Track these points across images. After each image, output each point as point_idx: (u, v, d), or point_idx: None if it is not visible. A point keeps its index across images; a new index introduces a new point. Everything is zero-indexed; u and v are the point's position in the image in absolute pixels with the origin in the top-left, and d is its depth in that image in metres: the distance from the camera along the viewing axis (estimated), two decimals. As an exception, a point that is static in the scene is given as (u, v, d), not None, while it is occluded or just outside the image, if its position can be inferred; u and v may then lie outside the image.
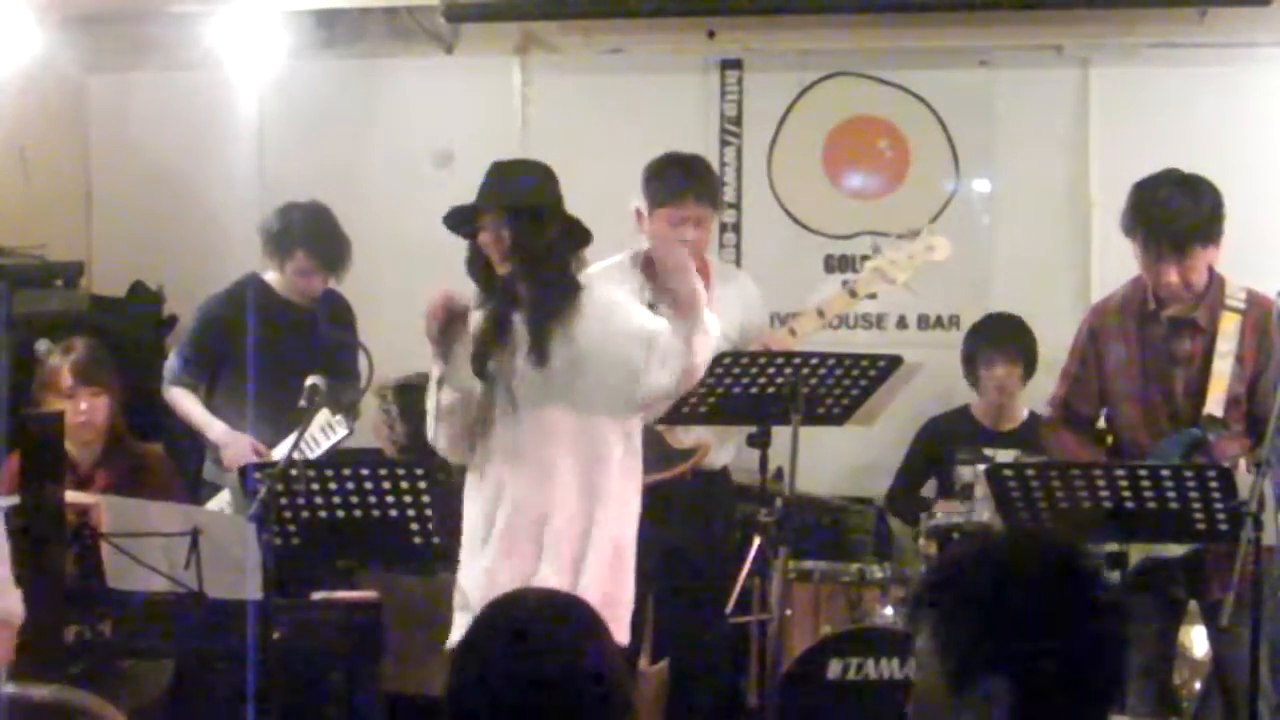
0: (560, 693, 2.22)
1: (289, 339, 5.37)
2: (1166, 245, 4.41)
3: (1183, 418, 4.51)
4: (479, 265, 4.17)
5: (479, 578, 4.12)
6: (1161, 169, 4.56)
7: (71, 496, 4.44)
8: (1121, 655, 2.15)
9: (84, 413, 4.93)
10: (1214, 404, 4.45)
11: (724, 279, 5.13)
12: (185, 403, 5.48)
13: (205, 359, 5.49)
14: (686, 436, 4.91)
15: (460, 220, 4.21)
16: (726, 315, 5.01)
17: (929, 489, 5.98)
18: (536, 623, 2.30)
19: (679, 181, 4.91)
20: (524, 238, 4.10)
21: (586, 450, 4.12)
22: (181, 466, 5.55)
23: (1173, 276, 4.43)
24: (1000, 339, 5.80)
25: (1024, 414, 5.79)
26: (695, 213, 4.91)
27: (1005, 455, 5.62)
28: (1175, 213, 4.40)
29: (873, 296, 4.95)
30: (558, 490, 4.11)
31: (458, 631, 4.15)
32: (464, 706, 2.25)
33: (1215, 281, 4.53)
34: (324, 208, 5.49)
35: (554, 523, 4.10)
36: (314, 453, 4.85)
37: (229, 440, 5.33)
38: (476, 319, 4.19)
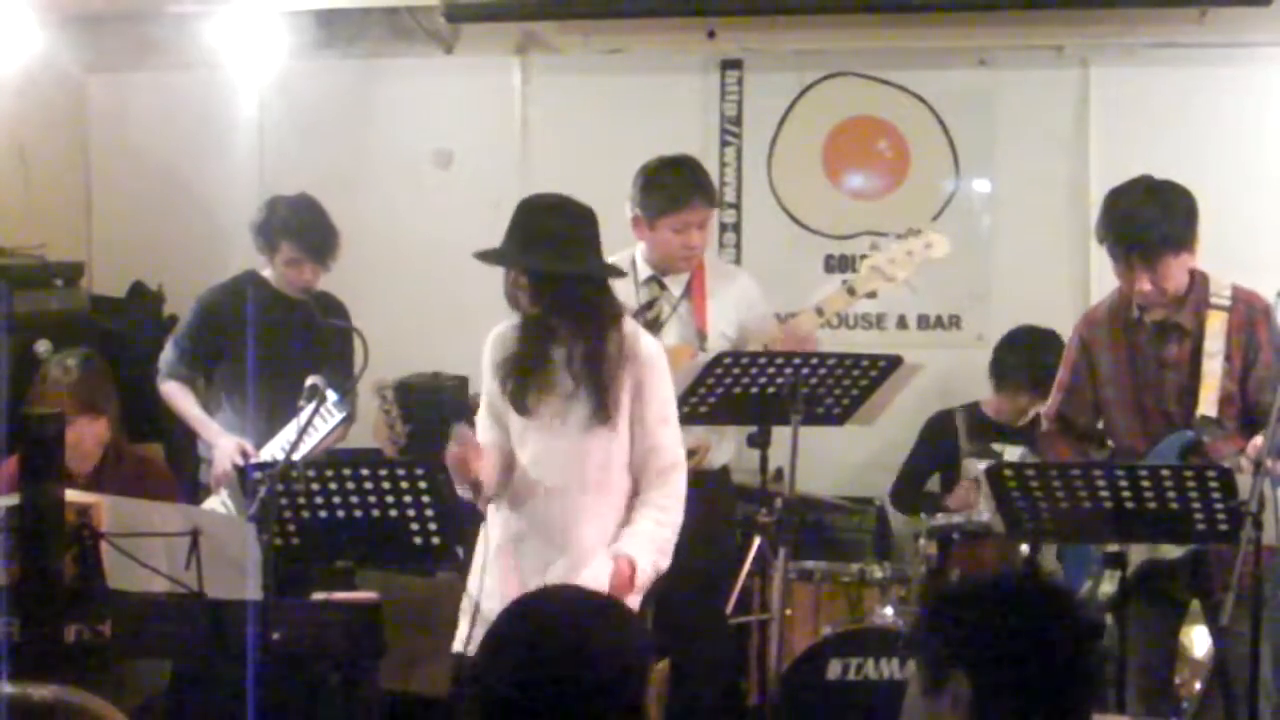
0: (584, 687, 2.28)
1: (286, 331, 5.38)
2: (1136, 255, 4.39)
3: (1176, 421, 4.51)
4: (515, 295, 4.12)
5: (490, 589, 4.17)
6: (1136, 176, 4.52)
7: (71, 496, 4.43)
8: (1084, 660, 2.38)
9: (83, 438, 4.93)
10: (1207, 404, 4.44)
11: (720, 278, 5.12)
12: (180, 400, 5.47)
13: (201, 351, 5.49)
14: (687, 437, 4.91)
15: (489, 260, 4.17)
16: (723, 315, 5.03)
17: (933, 484, 5.99)
18: (565, 616, 2.36)
19: (682, 187, 4.91)
20: (545, 289, 4.06)
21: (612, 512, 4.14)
22: (182, 467, 5.55)
23: (1145, 285, 4.41)
24: (1026, 365, 5.77)
25: (1031, 412, 5.79)
26: (701, 216, 4.94)
27: (1013, 451, 5.64)
28: (1144, 223, 4.37)
29: (872, 295, 4.94)
30: (580, 542, 4.11)
31: (460, 637, 4.22)
32: (484, 698, 2.31)
33: (1198, 281, 4.50)
34: (311, 199, 5.49)
35: (571, 568, 4.09)
36: (312, 439, 4.83)
37: (217, 442, 5.33)
38: (510, 345, 4.15)
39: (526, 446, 4.15)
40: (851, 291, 4.92)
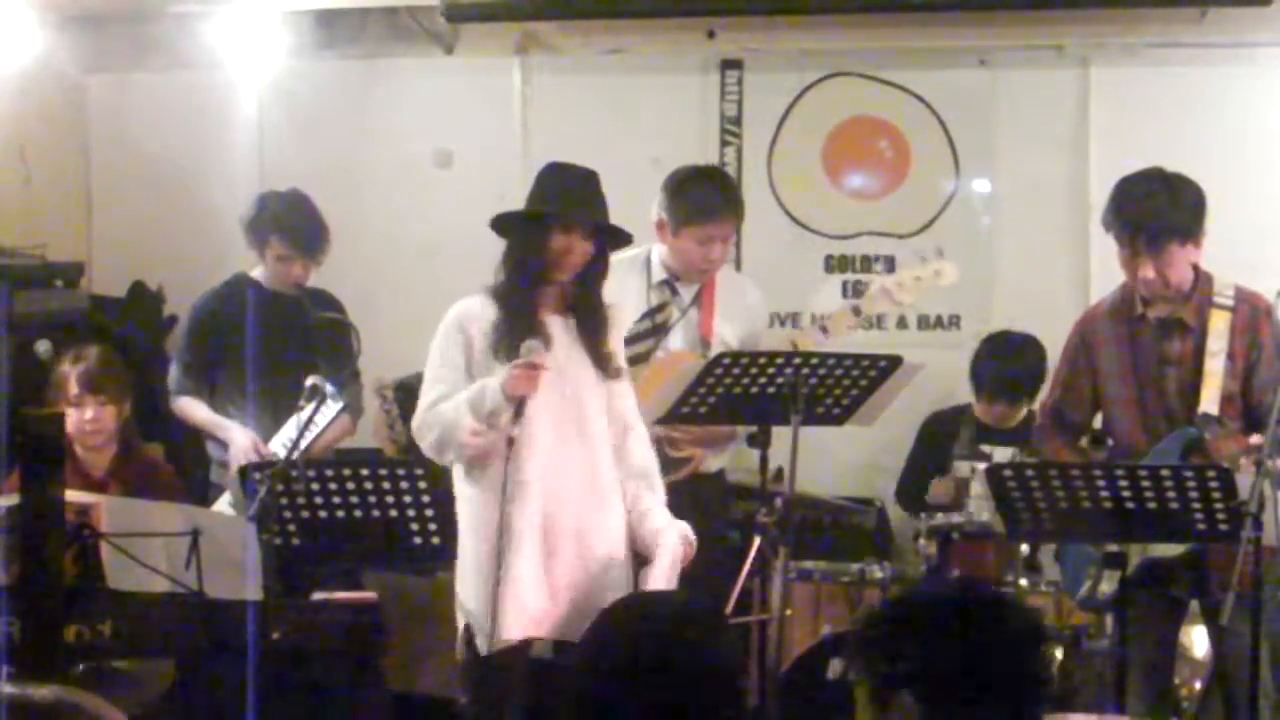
0: (694, 689, 2.32)
1: (280, 329, 5.39)
2: (1142, 242, 4.41)
3: (1178, 418, 4.51)
4: (531, 264, 4.19)
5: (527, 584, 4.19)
6: (1148, 166, 4.56)
7: (71, 496, 4.43)
8: (1025, 668, 2.41)
9: (90, 421, 4.94)
10: (1209, 402, 4.44)
11: (731, 289, 5.15)
12: (193, 410, 5.49)
13: (203, 360, 5.50)
14: (685, 442, 4.94)
15: (536, 218, 4.22)
16: (730, 322, 5.05)
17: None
18: (670, 622, 2.42)
19: (712, 200, 4.94)
20: (600, 255, 4.25)
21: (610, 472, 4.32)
22: (183, 467, 5.55)
23: (1149, 273, 4.43)
24: (998, 375, 5.73)
25: (1023, 412, 5.79)
26: (726, 231, 4.99)
27: (1003, 451, 5.63)
28: (1151, 209, 4.40)
29: (879, 317, 5.01)
30: (595, 504, 4.27)
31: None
32: (595, 702, 2.35)
33: (1202, 280, 4.52)
34: (301, 194, 5.51)
35: (589, 535, 4.24)
36: (312, 432, 4.83)
37: (232, 438, 5.35)
38: (492, 313, 4.22)
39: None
40: (857, 313, 4.98)
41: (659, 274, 5.04)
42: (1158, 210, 4.40)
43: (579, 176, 4.28)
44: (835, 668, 4.80)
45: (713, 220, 4.92)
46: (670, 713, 2.30)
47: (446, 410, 4.19)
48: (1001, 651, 2.37)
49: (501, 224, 4.29)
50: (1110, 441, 4.75)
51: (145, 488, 4.91)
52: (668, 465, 4.91)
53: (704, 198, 4.93)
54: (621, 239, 4.34)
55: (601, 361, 4.27)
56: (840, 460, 6.18)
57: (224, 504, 5.16)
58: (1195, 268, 4.51)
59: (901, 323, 6.46)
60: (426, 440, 4.25)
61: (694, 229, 4.92)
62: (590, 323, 4.27)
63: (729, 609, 4.92)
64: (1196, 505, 4.08)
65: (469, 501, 4.27)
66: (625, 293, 4.95)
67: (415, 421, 4.30)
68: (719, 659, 2.37)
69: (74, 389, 4.95)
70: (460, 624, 4.27)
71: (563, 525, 4.21)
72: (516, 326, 4.18)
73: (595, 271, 4.27)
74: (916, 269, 4.94)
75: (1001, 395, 5.72)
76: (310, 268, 5.46)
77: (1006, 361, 5.77)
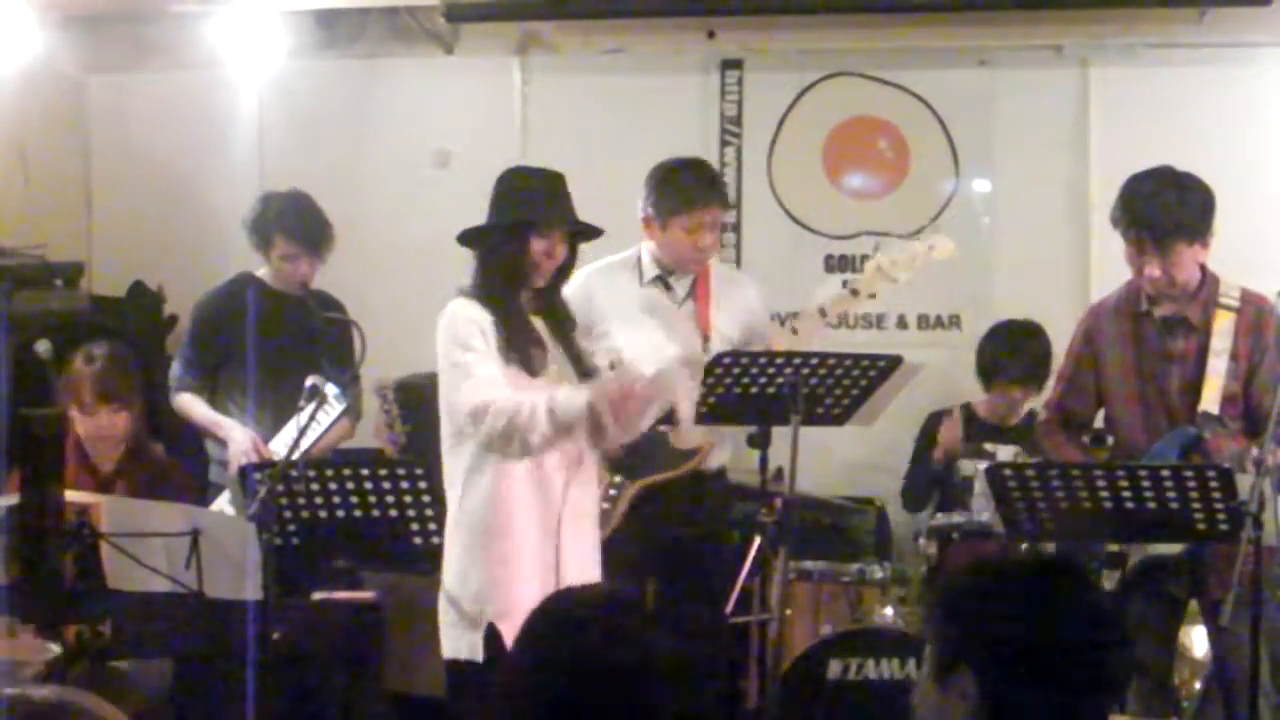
0: (632, 685, 2.19)
1: (284, 329, 5.40)
2: (1148, 239, 4.42)
3: (1179, 416, 4.52)
4: (517, 269, 4.15)
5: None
6: (1157, 166, 4.56)
7: (72, 496, 4.44)
8: (1102, 660, 2.31)
9: (103, 429, 4.93)
10: (1209, 402, 4.45)
11: (726, 283, 5.13)
12: (193, 407, 5.48)
13: (206, 359, 5.50)
14: (690, 437, 4.92)
15: (517, 226, 4.17)
16: (727, 319, 5.03)
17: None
18: (602, 616, 2.28)
19: (697, 188, 4.93)
20: (570, 258, 4.25)
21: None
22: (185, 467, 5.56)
23: (1155, 271, 4.44)
24: (1016, 358, 5.75)
25: (1027, 405, 5.79)
26: (714, 217, 4.97)
27: (1006, 450, 5.63)
28: (1159, 207, 4.41)
29: (873, 296, 4.94)
30: (590, 499, 4.28)
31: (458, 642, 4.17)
32: (522, 700, 2.23)
33: (1208, 280, 4.53)
34: (303, 194, 5.52)
35: (582, 536, 4.23)
36: (314, 434, 4.82)
37: (232, 436, 5.35)
38: (490, 321, 4.14)
39: None
40: (855, 293, 4.93)
41: (650, 271, 5.02)
42: (1166, 209, 4.40)
43: (551, 179, 4.26)
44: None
45: (699, 207, 4.91)
46: (607, 713, 2.22)
47: (523, 407, 4.00)
48: (1074, 645, 2.29)
49: (477, 233, 4.24)
50: (1110, 440, 4.75)
51: (154, 486, 4.90)
52: (675, 457, 4.90)
53: (688, 186, 4.93)
54: (592, 235, 4.33)
55: (576, 360, 4.25)
56: (840, 460, 6.18)
57: (224, 504, 5.16)
58: (1202, 268, 4.52)
59: (901, 323, 6.47)
60: (491, 425, 4.02)
61: (681, 218, 4.91)
62: (563, 323, 4.27)
63: (729, 609, 4.92)
64: (1196, 505, 4.08)
65: (483, 490, 4.13)
66: (617, 294, 4.94)
67: (475, 397, 4.05)
68: (652, 653, 2.19)
69: (88, 397, 4.90)
70: (462, 619, 4.15)
71: (567, 516, 4.18)
72: (515, 332, 4.13)
73: (563, 273, 4.27)
74: (911, 245, 4.89)
75: (1014, 380, 5.73)
76: (316, 265, 5.46)
77: (1017, 345, 5.78)
